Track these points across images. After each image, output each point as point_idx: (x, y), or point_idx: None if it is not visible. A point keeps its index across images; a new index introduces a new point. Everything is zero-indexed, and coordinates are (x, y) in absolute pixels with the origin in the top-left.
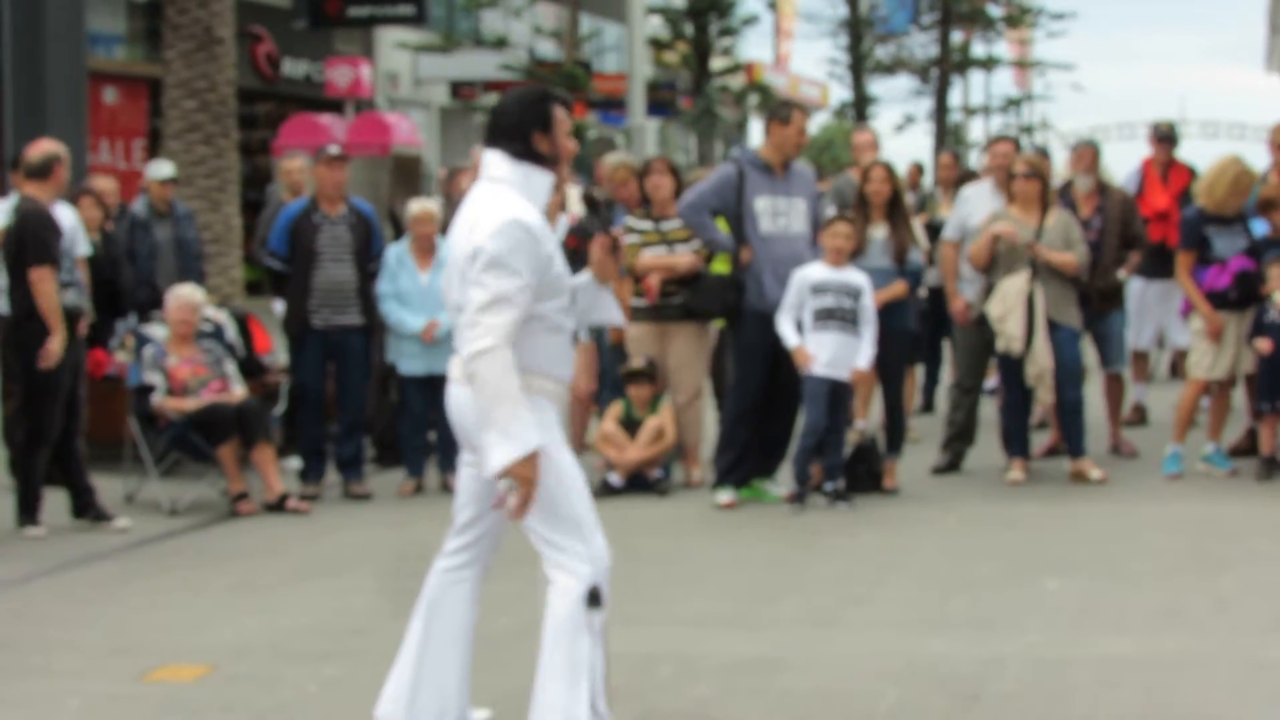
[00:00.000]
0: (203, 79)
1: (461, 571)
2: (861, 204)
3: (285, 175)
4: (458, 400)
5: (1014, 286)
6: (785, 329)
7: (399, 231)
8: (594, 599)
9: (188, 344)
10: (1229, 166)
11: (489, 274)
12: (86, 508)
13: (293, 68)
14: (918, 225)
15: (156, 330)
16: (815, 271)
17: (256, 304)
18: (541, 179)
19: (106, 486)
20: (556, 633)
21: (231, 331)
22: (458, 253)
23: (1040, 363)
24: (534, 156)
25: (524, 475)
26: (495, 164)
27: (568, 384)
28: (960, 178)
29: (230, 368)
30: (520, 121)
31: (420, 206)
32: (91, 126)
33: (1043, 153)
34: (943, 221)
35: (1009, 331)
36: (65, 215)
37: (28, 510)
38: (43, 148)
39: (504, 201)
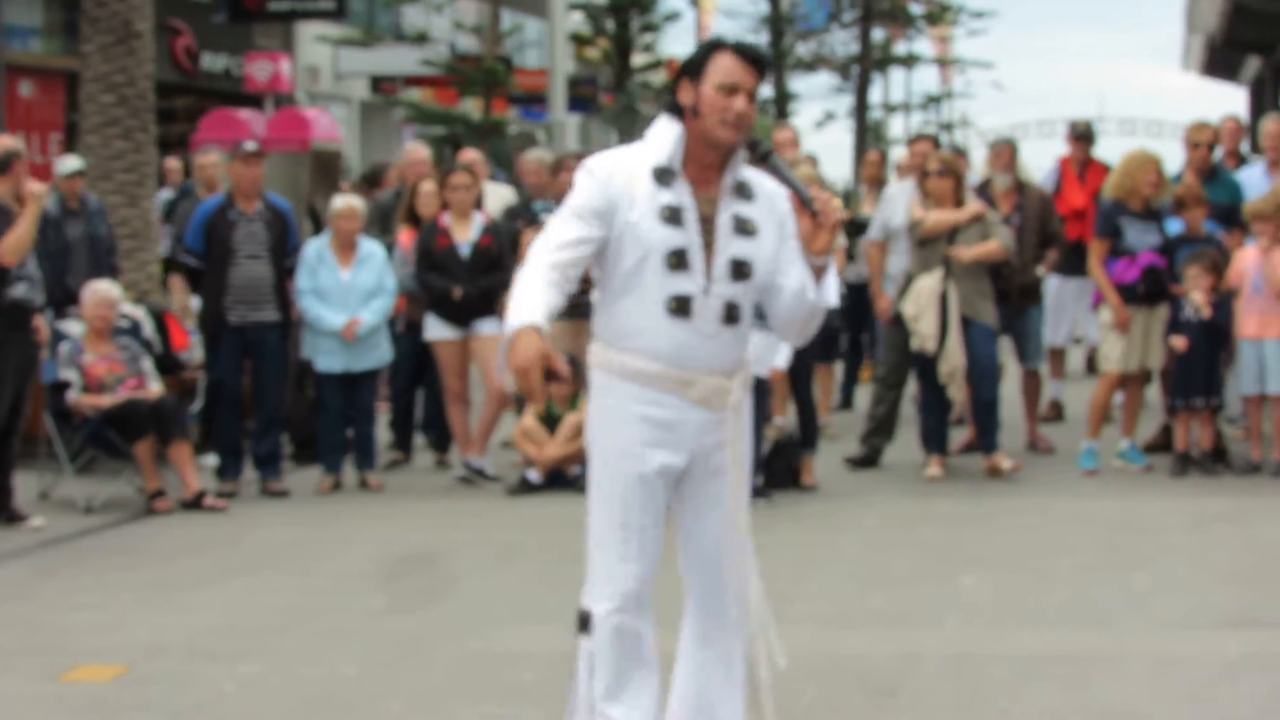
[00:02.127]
0: (121, 73)
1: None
2: None
3: (200, 170)
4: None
5: (927, 285)
6: None
7: (318, 227)
8: (581, 623)
9: (104, 340)
10: (1137, 156)
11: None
12: (1, 508)
13: (212, 62)
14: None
15: (72, 326)
16: None
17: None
18: (663, 130)
19: (21, 483)
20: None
21: (148, 328)
22: None
23: (953, 361)
24: (674, 109)
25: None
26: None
27: (684, 367)
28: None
29: (147, 364)
30: (678, 72)
31: (343, 203)
32: (7, 120)
33: (959, 151)
34: (866, 219)
35: (922, 330)
36: None
37: None
38: (3, 144)
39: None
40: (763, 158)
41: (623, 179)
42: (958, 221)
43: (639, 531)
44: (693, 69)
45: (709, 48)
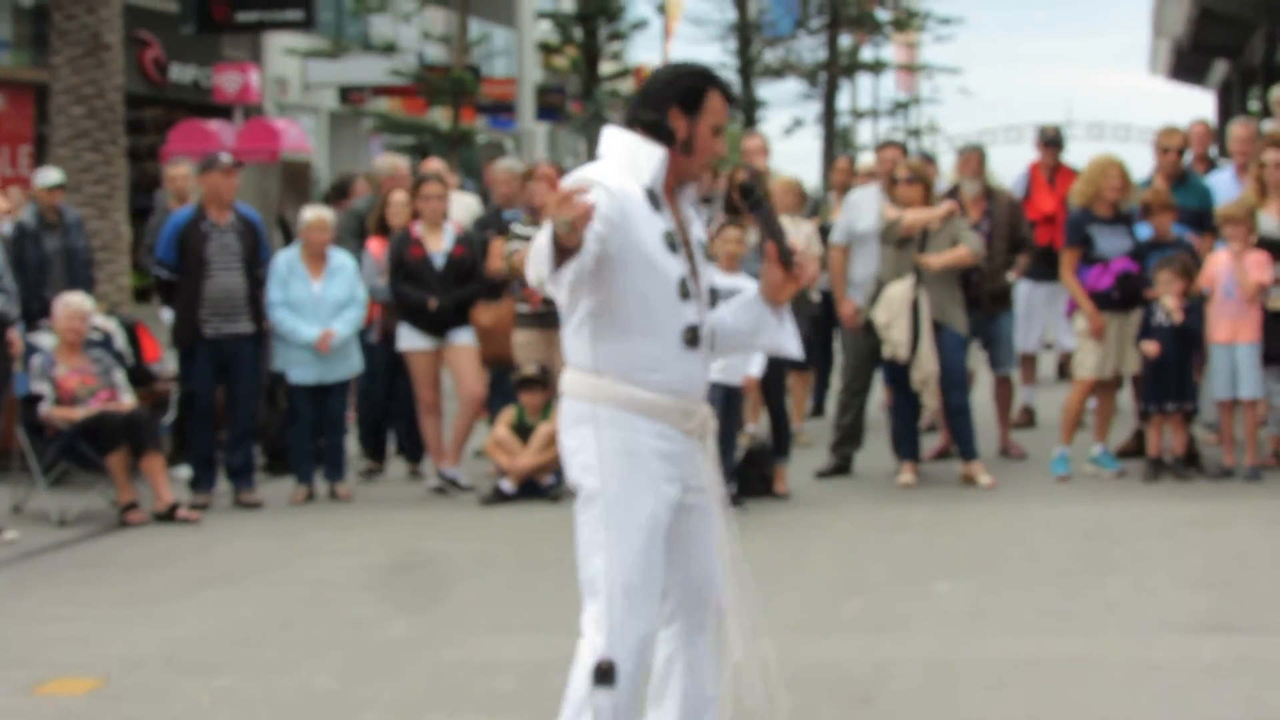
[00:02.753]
0: (90, 85)
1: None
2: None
3: (170, 182)
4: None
5: (898, 292)
6: None
7: (288, 238)
8: (602, 675)
9: (76, 353)
10: (1100, 161)
11: None
12: None
13: (181, 73)
14: (808, 228)
15: (44, 339)
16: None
17: (145, 311)
18: (649, 154)
19: None
20: (567, 702)
21: (120, 340)
22: None
23: (925, 368)
24: (659, 133)
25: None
26: (607, 140)
27: (689, 399)
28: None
29: (119, 376)
30: (661, 92)
31: (314, 214)
32: None
33: (927, 158)
34: (833, 225)
35: (894, 337)
36: None
37: None
38: None
39: (597, 168)
40: (755, 205)
41: (623, 197)
42: (933, 220)
43: (658, 569)
44: (690, 103)
45: (704, 81)
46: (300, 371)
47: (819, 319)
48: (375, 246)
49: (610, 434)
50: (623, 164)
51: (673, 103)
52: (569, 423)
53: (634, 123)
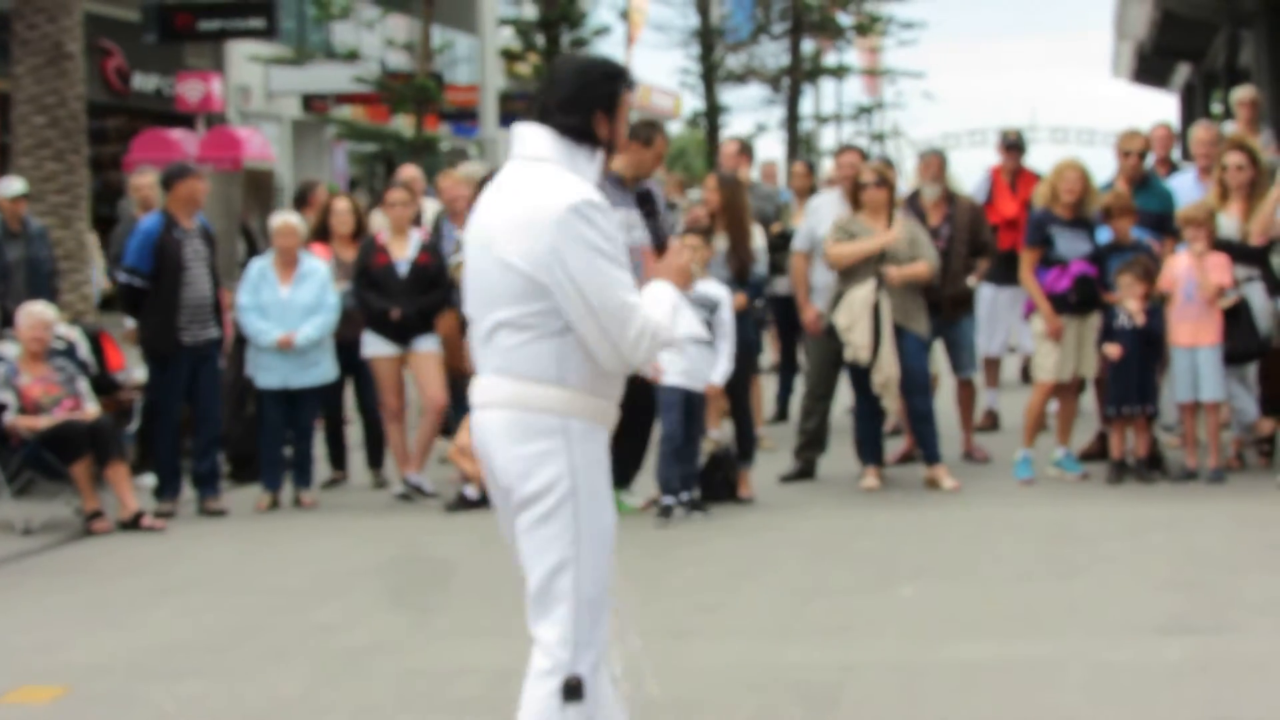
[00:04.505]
0: (52, 94)
1: None
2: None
3: (136, 191)
4: (490, 427)
5: (860, 296)
6: None
7: (252, 246)
8: (572, 691)
9: (39, 362)
10: (1060, 163)
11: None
12: None
13: (143, 82)
14: (759, 235)
15: (8, 348)
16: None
17: (109, 320)
18: (589, 163)
19: None
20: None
21: (84, 349)
22: (501, 240)
23: (886, 371)
24: (588, 138)
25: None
26: (535, 140)
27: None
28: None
29: (83, 385)
30: (581, 96)
31: (281, 220)
32: None
33: (887, 162)
34: (795, 230)
35: (855, 341)
36: None
37: None
38: None
39: (568, 180)
40: (648, 211)
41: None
42: (865, 254)
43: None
44: (611, 105)
45: (622, 84)
46: (266, 376)
47: (780, 323)
48: (321, 252)
49: (582, 448)
50: (564, 168)
51: (597, 107)
52: (529, 435)
53: (563, 127)
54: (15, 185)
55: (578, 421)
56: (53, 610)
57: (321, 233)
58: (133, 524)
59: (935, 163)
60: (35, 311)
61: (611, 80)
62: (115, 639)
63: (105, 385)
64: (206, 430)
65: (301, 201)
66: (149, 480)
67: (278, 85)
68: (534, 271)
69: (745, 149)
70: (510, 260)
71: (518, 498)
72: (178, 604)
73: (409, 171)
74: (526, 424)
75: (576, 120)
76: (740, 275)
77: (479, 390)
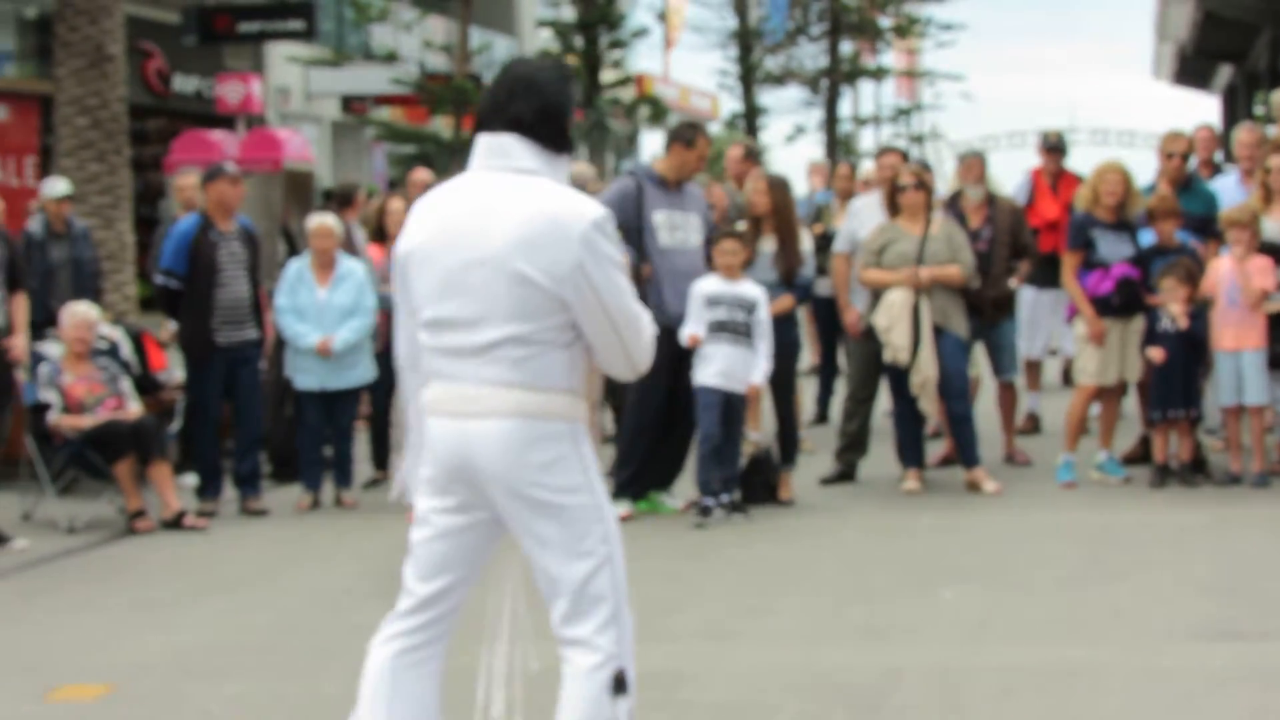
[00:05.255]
0: (94, 96)
1: (423, 651)
2: (754, 216)
3: (179, 192)
4: (490, 437)
5: (899, 297)
6: (683, 332)
7: (292, 248)
8: (620, 685)
9: (83, 362)
10: (1101, 165)
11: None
12: None
13: (184, 84)
14: (806, 236)
15: (51, 348)
16: (710, 284)
17: (151, 320)
18: (566, 171)
19: (3, 505)
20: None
21: (126, 349)
22: (514, 255)
23: (924, 372)
24: (566, 146)
25: None
26: (520, 153)
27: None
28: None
29: (126, 385)
30: (559, 103)
31: (318, 221)
32: None
33: (924, 165)
34: (836, 232)
35: (894, 342)
36: None
37: None
38: None
39: (572, 195)
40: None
41: None
42: (892, 283)
43: None
44: (572, 108)
45: (574, 81)
46: (305, 378)
47: (823, 326)
48: (375, 254)
49: (585, 449)
50: (551, 180)
51: (569, 113)
52: (541, 442)
53: (546, 138)
54: (60, 186)
55: (579, 425)
56: (96, 608)
57: (379, 234)
58: (175, 523)
59: (976, 165)
60: (79, 312)
61: (572, 82)
62: (158, 638)
63: (148, 385)
64: (247, 430)
65: (345, 203)
66: (191, 480)
67: (317, 87)
68: (556, 287)
69: (750, 154)
70: (530, 276)
71: (531, 505)
72: (220, 603)
73: (421, 174)
74: (539, 431)
75: (556, 129)
76: (788, 277)
77: (468, 400)
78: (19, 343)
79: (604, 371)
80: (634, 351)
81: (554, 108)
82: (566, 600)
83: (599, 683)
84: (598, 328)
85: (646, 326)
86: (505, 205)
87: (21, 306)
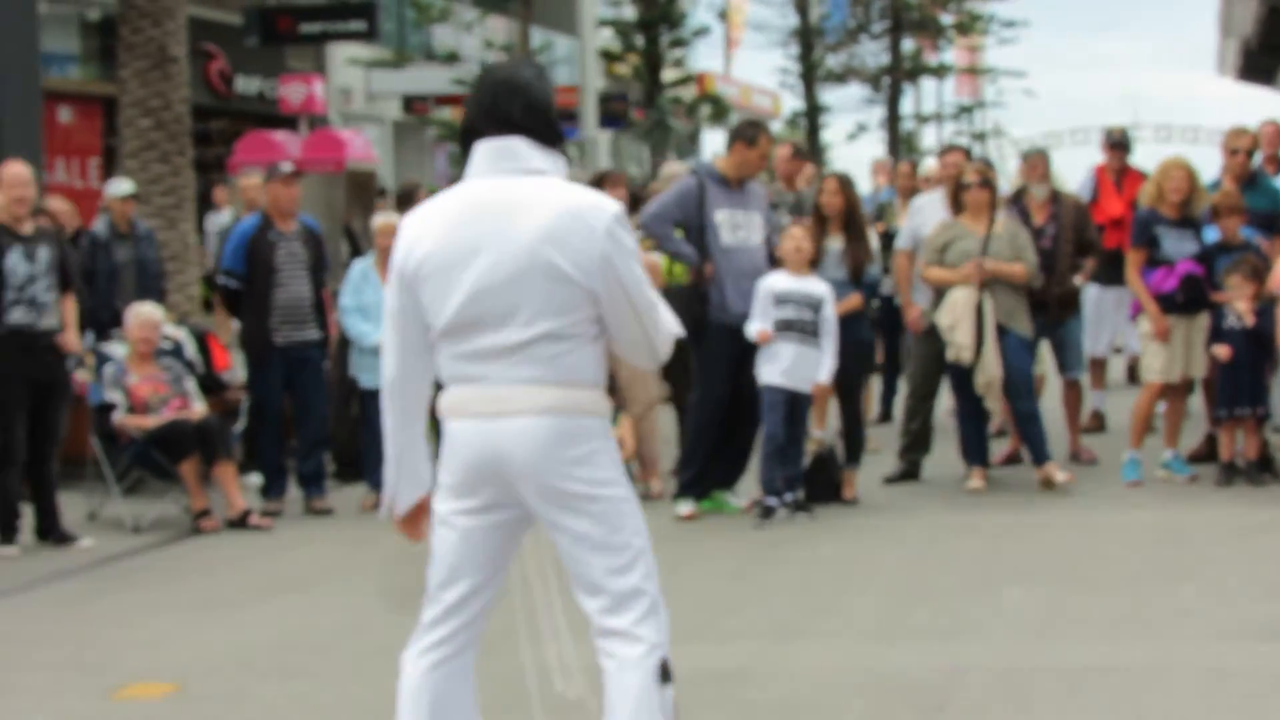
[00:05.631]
0: (157, 97)
1: (456, 661)
2: (818, 215)
3: (242, 192)
4: (524, 435)
5: (963, 295)
6: (751, 329)
7: (355, 247)
8: (666, 673)
9: (148, 362)
10: (1165, 162)
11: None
12: (51, 529)
13: (246, 85)
14: (872, 235)
15: (116, 348)
16: (778, 281)
17: (214, 320)
18: (564, 168)
19: (69, 504)
20: (639, 706)
21: (190, 349)
22: (547, 251)
23: (989, 371)
24: (559, 139)
25: None
26: (528, 153)
27: None
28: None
29: (190, 385)
30: (546, 102)
31: (384, 220)
32: (47, 146)
33: (986, 162)
34: (898, 230)
35: (958, 340)
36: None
37: (5, 529)
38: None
39: (586, 191)
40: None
41: None
42: (955, 281)
43: None
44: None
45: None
46: (371, 376)
47: (882, 323)
48: None
49: (613, 443)
50: (558, 177)
51: (554, 108)
52: (578, 438)
53: (544, 136)
54: (124, 186)
55: (607, 419)
56: (162, 607)
57: None
58: (240, 522)
59: (1041, 162)
60: (143, 312)
61: (547, 77)
62: (224, 636)
63: (212, 385)
64: (311, 430)
65: (406, 203)
66: (255, 479)
67: (378, 87)
68: (586, 280)
69: (799, 152)
70: (563, 268)
71: (566, 500)
72: (285, 602)
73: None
74: (576, 428)
75: (546, 123)
76: (855, 275)
77: (499, 401)
78: (71, 335)
79: (628, 363)
80: (656, 341)
81: (540, 104)
82: (606, 593)
83: (648, 670)
84: (623, 319)
85: (665, 315)
86: (528, 203)
87: (71, 307)
